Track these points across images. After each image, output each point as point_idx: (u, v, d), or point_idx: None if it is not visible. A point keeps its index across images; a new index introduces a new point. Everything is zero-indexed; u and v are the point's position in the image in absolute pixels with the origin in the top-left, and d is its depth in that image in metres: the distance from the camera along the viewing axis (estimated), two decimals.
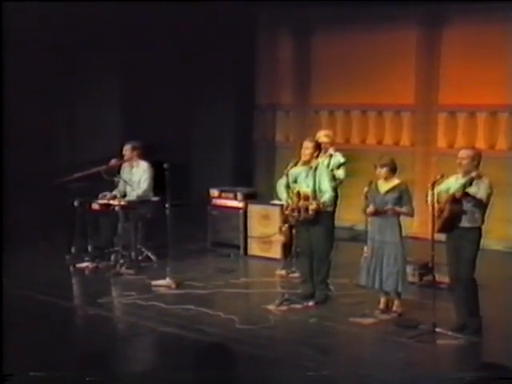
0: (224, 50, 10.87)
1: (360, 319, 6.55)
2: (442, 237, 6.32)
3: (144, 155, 8.69)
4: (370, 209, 6.53)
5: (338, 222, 8.30)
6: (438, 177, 6.25)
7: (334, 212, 7.47)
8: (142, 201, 8.53)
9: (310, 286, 7.11)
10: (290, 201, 6.98)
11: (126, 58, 10.40)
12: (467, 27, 9.57)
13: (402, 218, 6.66)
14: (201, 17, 10.25)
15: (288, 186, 7.06)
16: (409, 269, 7.06)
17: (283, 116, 11.43)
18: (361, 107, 10.58)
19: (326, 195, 6.93)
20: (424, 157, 10.13)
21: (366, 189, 6.61)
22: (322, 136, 7.88)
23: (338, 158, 7.94)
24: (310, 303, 7.01)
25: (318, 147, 7.18)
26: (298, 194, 6.93)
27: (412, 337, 6.11)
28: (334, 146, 8.05)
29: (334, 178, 7.45)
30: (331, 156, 7.90)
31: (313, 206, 6.78)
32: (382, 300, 6.75)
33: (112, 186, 8.63)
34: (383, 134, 10.48)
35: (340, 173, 7.84)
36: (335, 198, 7.36)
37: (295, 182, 7.02)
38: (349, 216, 9.37)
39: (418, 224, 8.87)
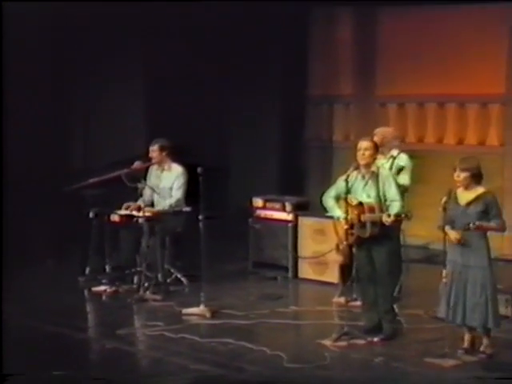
0: (268, 31, 10.86)
1: (439, 360, 6.41)
2: None
3: (175, 157, 8.70)
4: (455, 235, 6.33)
5: (409, 239, 8.22)
6: None
7: (400, 227, 7.37)
8: (172, 212, 8.53)
9: (374, 317, 7.05)
10: (346, 215, 6.88)
11: (156, 44, 10.46)
12: None
13: (489, 235, 6.49)
14: None
15: (338, 198, 7.01)
16: (500, 299, 6.91)
17: (342, 110, 11.47)
18: (437, 98, 10.55)
19: (396, 204, 6.84)
20: None
21: (444, 199, 6.48)
22: (387, 132, 7.77)
23: (403, 159, 7.84)
24: (375, 339, 6.94)
25: (377, 148, 7.10)
26: (361, 205, 6.84)
27: None
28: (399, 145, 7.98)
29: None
30: (394, 158, 7.81)
31: (390, 218, 6.65)
32: (467, 337, 6.62)
33: (136, 194, 8.65)
34: (465, 132, 10.45)
35: (404, 178, 7.75)
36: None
37: (349, 192, 6.92)
38: (422, 232, 9.32)
39: (510, 243, 8.69)
